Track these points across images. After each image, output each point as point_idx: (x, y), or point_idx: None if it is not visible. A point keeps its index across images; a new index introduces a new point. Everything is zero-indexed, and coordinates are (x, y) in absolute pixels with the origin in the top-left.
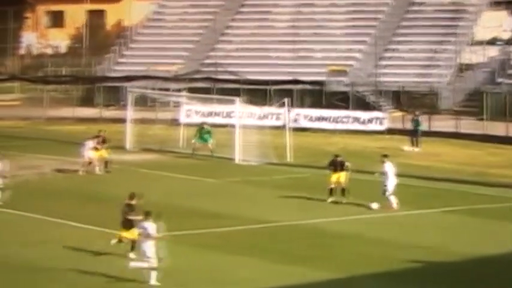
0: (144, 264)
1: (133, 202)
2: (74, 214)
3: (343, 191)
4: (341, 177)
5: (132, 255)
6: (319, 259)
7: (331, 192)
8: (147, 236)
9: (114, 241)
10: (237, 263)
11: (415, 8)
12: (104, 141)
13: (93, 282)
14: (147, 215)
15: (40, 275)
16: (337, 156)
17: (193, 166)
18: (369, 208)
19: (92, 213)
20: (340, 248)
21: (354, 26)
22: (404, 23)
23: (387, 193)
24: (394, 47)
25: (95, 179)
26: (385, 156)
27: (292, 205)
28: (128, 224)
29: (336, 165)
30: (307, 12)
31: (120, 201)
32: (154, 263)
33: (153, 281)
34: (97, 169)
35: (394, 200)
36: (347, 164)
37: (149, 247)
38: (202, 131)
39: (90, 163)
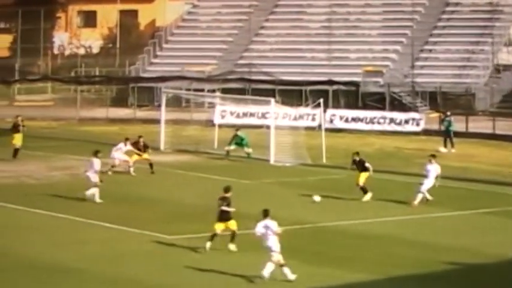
0: (273, 260)
1: (228, 195)
2: (106, 215)
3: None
4: (360, 176)
5: (232, 247)
6: (355, 261)
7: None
8: (272, 233)
9: (208, 244)
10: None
11: (451, 8)
12: (145, 146)
13: (125, 284)
14: (266, 213)
15: (71, 276)
16: (356, 154)
17: (228, 167)
18: (313, 201)
19: (125, 214)
20: (375, 249)
21: (389, 27)
22: (440, 24)
23: (420, 189)
24: (430, 47)
25: (128, 180)
26: (433, 156)
27: (327, 206)
28: (225, 216)
29: (357, 165)
30: (342, 12)
31: (153, 202)
32: (281, 258)
33: (291, 276)
34: (132, 170)
35: (418, 199)
36: (367, 164)
37: (275, 243)
38: (236, 138)
39: (114, 166)
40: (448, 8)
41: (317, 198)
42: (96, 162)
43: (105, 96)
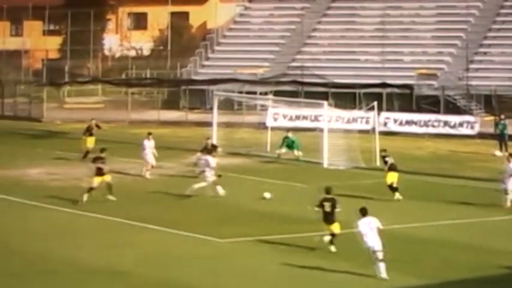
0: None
1: (330, 196)
2: (156, 218)
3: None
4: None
5: (333, 248)
6: (407, 264)
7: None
8: (372, 229)
9: (327, 238)
10: (325, 267)
11: (506, 10)
12: (214, 146)
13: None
14: (364, 211)
15: (122, 279)
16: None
17: (280, 170)
18: (263, 198)
19: (176, 217)
20: (430, 253)
21: (443, 29)
22: (495, 26)
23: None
24: (484, 50)
25: (180, 182)
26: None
27: (380, 210)
28: (330, 218)
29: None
30: (395, 14)
31: (205, 205)
32: (381, 255)
33: (383, 274)
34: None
35: (508, 199)
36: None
37: (376, 240)
38: (287, 140)
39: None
40: (503, 11)
41: (267, 195)
42: (212, 160)
43: (156, 98)
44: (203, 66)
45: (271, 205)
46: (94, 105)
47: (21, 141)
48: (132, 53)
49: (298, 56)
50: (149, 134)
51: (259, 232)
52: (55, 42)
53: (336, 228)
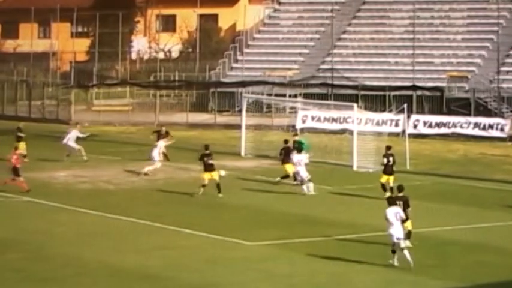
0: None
1: (401, 195)
2: (187, 221)
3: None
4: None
5: (407, 243)
6: (438, 268)
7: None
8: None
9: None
10: (354, 271)
11: None
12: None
13: None
14: (391, 201)
15: (149, 283)
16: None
17: (310, 173)
18: (219, 175)
19: (204, 220)
20: (461, 256)
21: (474, 31)
22: None
23: None
24: None
25: (210, 186)
26: None
27: (411, 213)
28: (406, 216)
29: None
30: (426, 16)
31: (234, 208)
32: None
33: (409, 257)
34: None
35: None
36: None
37: (400, 230)
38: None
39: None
40: None
41: (222, 172)
42: (162, 144)
43: (185, 101)
44: (232, 68)
45: (300, 208)
46: (122, 108)
47: (48, 144)
48: (161, 55)
49: (328, 58)
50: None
51: (289, 235)
52: (83, 44)
53: (408, 225)
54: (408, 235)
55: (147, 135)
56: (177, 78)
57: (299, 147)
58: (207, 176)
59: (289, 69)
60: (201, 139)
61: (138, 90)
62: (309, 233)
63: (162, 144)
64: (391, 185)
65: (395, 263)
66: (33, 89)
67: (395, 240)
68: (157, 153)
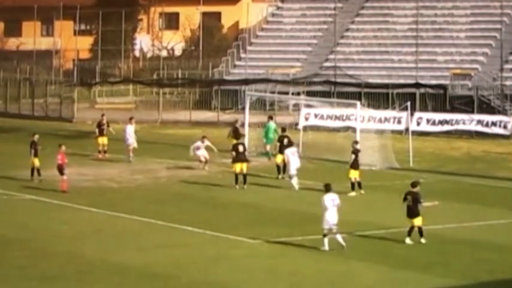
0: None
1: (415, 190)
2: (190, 219)
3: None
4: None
5: (408, 240)
6: (440, 265)
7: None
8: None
9: (408, 240)
10: (357, 269)
11: None
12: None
13: None
14: (328, 187)
15: (160, 281)
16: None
17: (313, 171)
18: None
19: (207, 218)
20: (464, 254)
21: (477, 29)
22: None
23: None
24: None
25: (212, 183)
26: None
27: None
28: (412, 212)
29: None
30: (429, 14)
31: (237, 206)
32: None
33: (343, 242)
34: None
35: None
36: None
37: (335, 216)
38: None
39: (202, 161)
40: None
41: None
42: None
43: (188, 99)
44: (235, 66)
45: (304, 205)
46: (125, 106)
47: (51, 142)
48: (164, 53)
49: (331, 56)
50: (203, 137)
51: (293, 233)
52: (86, 42)
53: (417, 221)
54: (420, 232)
55: (150, 133)
56: (180, 76)
57: (289, 140)
58: (238, 167)
59: (292, 67)
60: (207, 137)
61: (141, 88)
62: (313, 230)
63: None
64: (358, 179)
65: (326, 247)
66: (36, 87)
67: (330, 226)
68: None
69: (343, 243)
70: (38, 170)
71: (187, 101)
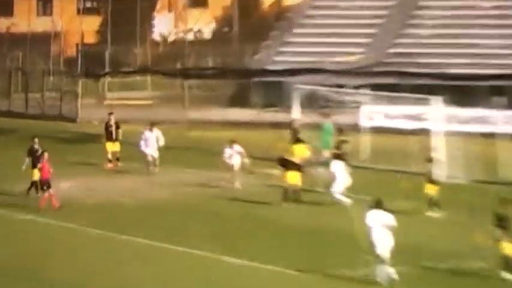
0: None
1: (503, 212)
2: (230, 248)
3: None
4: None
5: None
6: None
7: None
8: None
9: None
10: None
11: None
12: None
13: None
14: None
15: None
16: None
17: (374, 184)
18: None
19: (258, 246)
20: None
21: None
22: None
23: None
24: None
25: (253, 200)
26: None
27: None
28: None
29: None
30: None
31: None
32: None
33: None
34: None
35: None
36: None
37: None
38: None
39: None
40: None
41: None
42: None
43: (221, 93)
44: (279, 53)
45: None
46: (142, 102)
47: (50, 147)
48: (190, 37)
49: (400, 40)
50: (233, 141)
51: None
52: (93, 23)
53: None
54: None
55: (174, 136)
56: (210, 64)
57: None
58: (291, 178)
59: (351, 54)
60: (241, 142)
61: (162, 80)
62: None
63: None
64: (436, 195)
65: (380, 277)
66: (31, 79)
67: (379, 252)
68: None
69: (393, 276)
70: (38, 185)
71: (220, 97)
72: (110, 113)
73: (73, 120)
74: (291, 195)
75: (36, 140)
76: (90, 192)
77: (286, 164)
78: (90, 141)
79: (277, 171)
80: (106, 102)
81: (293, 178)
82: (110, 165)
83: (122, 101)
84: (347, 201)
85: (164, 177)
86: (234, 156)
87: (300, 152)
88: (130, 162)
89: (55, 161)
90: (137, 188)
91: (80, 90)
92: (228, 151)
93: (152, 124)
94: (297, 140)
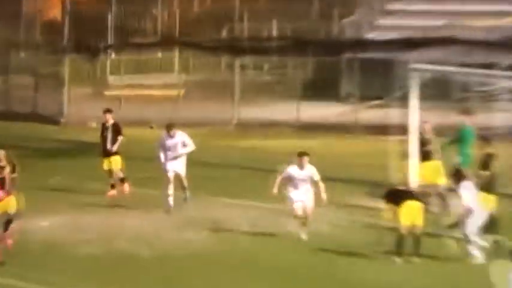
0: None
1: None
2: None
3: None
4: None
5: None
6: None
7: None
8: None
9: None
10: None
11: None
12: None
13: None
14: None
15: None
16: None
17: None
18: None
19: None
20: None
21: None
22: None
23: None
24: None
25: (342, 250)
26: None
27: None
28: None
29: None
30: None
31: None
32: None
33: None
34: None
35: None
36: None
37: None
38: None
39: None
40: None
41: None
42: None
43: (291, 79)
44: (384, 13)
45: None
46: (165, 92)
47: (20, 163)
48: None
49: None
50: (303, 154)
51: None
52: None
53: None
54: None
55: (216, 145)
56: (274, 33)
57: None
58: (409, 217)
59: (505, 14)
60: (327, 156)
61: (197, 58)
62: None
63: None
64: None
65: None
66: None
67: None
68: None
69: None
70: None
71: (290, 84)
72: (107, 111)
73: (55, 121)
74: (408, 245)
75: (2, 152)
76: (82, 234)
77: (401, 197)
78: (82, 153)
79: (385, 206)
80: (108, 92)
81: (412, 216)
82: (111, 192)
83: (132, 91)
84: (484, 247)
85: (197, 212)
86: (302, 186)
87: (431, 175)
88: (150, 188)
89: (29, 185)
90: (156, 228)
91: (66, 74)
92: (291, 173)
93: (171, 125)
94: (426, 155)
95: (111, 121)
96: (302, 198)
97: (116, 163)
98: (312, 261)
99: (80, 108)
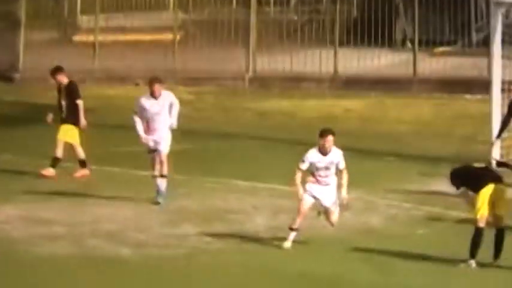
0: None
1: None
2: None
3: None
4: None
5: None
6: None
7: None
8: None
9: None
10: None
11: None
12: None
13: None
14: None
15: None
16: None
17: None
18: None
19: None
20: None
21: None
22: None
23: None
24: None
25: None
26: None
27: None
28: None
29: None
30: None
31: None
32: None
33: None
34: None
35: None
36: None
37: None
38: None
39: None
40: None
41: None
42: None
43: (327, 18)
44: None
45: None
46: (156, 37)
47: None
48: None
49: None
50: (326, 133)
51: None
52: None
53: None
54: None
55: (222, 107)
56: None
57: None
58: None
59: None
60: (370, 121)
61: None
62: None
63: None
64: None
65: None
66: None
67: None
68: None
69: None
70: None
71: (327, 25)
72: (55, 70)
73: (7, 77)
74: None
75: None
76: (44, 229)
77: (480, 179)
78: (41, 122)
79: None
80: (78, 37)
81: (494, 205)
82: (82, 171)
83: (111, 36)
84: None
85: (195, 198)
86: (324, 176)
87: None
88: (128, 166)
89: None
90: (141, 220)
91: (23, 14)
92: (311, 160)
93: (155, 80)
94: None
95: (65, 81)
96: (320, 195)
97: (71, 135)
98: (349, 265)
99: (40, 60)
